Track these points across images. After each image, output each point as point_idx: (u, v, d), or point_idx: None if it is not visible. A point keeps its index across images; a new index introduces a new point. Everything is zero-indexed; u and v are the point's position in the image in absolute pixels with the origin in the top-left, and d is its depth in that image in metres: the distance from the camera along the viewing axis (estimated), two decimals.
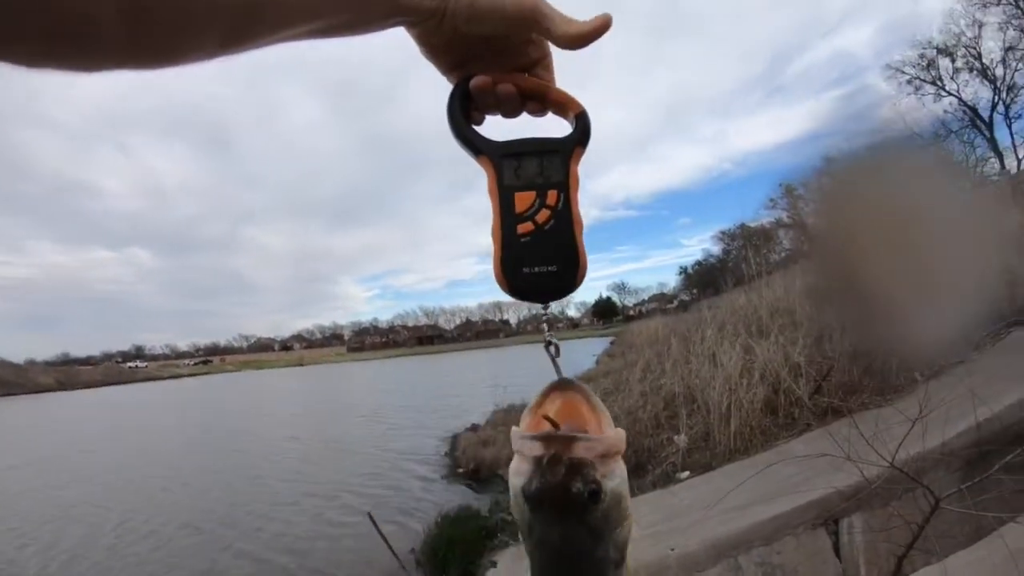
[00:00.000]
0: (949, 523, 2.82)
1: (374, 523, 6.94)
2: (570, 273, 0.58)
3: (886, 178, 0.49)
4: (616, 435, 0.51)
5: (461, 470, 11.20)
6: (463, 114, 0.60)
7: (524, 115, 0.62)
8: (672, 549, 3.72)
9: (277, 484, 12.06)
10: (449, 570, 6.34)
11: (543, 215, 0.58)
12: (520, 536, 0.54)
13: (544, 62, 0.61)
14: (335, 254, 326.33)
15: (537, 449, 0.49)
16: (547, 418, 0.52)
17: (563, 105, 0.61)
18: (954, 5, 29.60)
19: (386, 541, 6.71)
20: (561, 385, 0.56)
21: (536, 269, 0.57)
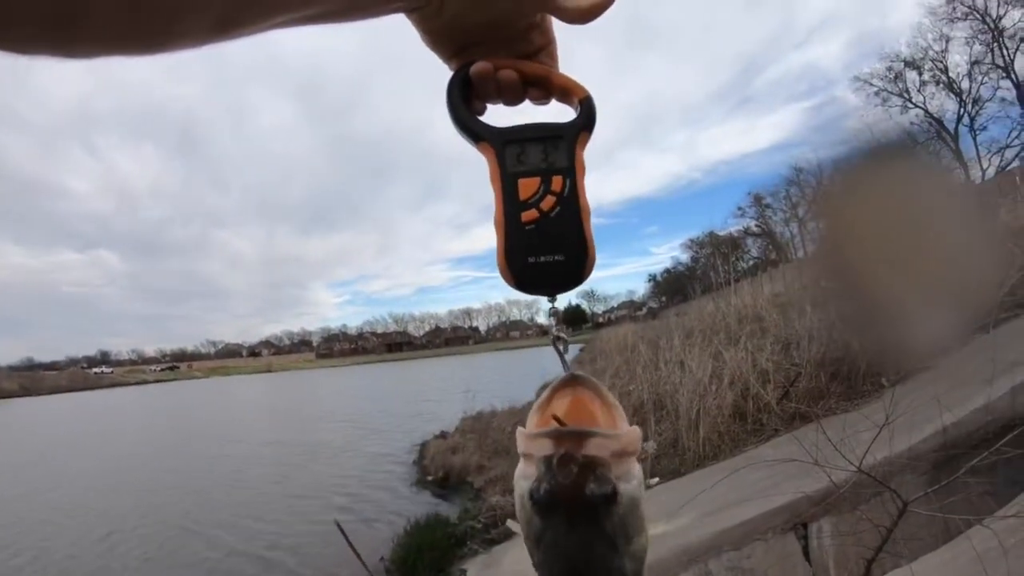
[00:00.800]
0: (917, 526, 2.87)
1: (342, 531, 6.83)
2: (578, 262, 0.55)
3: (886, 177, 0.48)
4: (632, 432, 0.47)
5: (430, 477, 11.13)
6: (463, 101, 0.58)
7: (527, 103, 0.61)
8: None
9: (243, 493, 11.84)
10: None
11: (548, 202, 0.55)
12: (527, 550, 0.49)
13: (548, 49, 0.59)
14: (305, 259, 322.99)
15: (546, 447, 0.44)
16: (555, 417, 0.48)
17: (567, 90, 0.59)
18: (922, 19, 30.65)
19: (354, 549, 6.61)
20: (571, 381, 0.52)
21: (542, 259, 0.55)
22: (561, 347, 0.60)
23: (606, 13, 0.54)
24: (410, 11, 0.53)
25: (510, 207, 0.56)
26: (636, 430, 0.47)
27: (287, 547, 8.21)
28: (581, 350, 26.62)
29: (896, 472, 3.12)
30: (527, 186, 0.56)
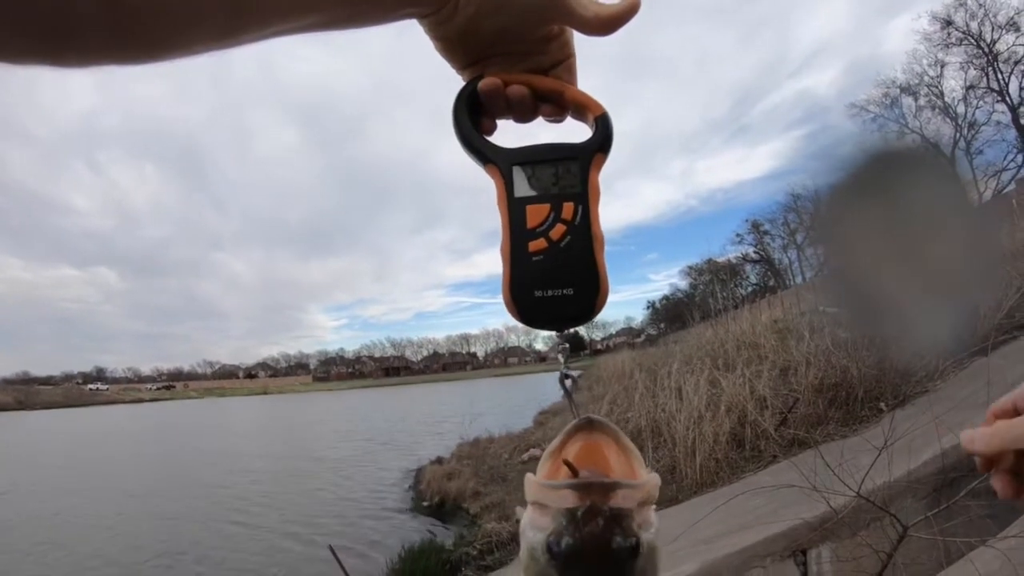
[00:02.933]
0: (918, 550, 2.83)
1: (335, 556, 6.73)
2: (589, 297, 0.51)
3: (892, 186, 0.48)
4: (653, 479, 0.45)
5: (425, 503, 11.04)
6: (470, 119, 0.54)
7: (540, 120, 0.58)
8: None
9: (238, 516, 11.70)
10: None
11: (558, 231, 0.52)
12: None
13: (567, 63, 0.56)
14: (303, 283, 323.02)
15: (570, 500, 0.42)
16: (567, 463, 0.45)
17: (582, 107, 0.55)
18: (917, 46, 31.12)
19: (347, 574, 6.52)
20: (585, 425, 0.49)
21: (549, 292, 0.51)
22: (569, 384, 0.56)
23: (623, 28, 0.52)
24: (422, 17, 0.50)
25: (517, 236, 0.52)
26: (656, 477, 0.45)
27: (279, 570, 8.12)
28: (579, 376, 26.58)
29: (896, 496, 3.09)
30: (536, 213, 0.52)
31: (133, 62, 0.39)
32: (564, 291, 0.51)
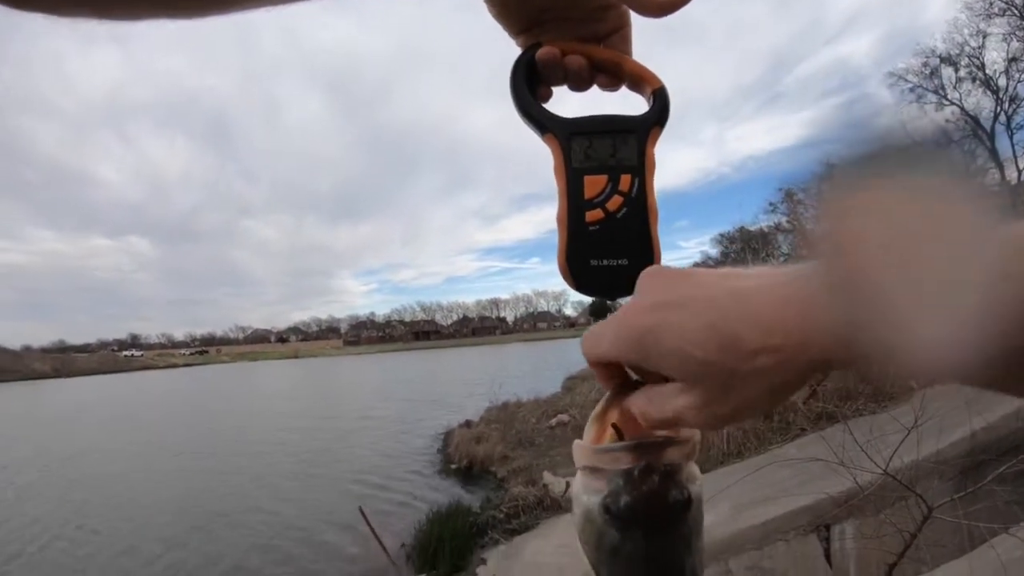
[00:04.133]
0: (941, 532, 2.81)
1: (365, 517, 6.94)
2: (642, 267, 0.49)
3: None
4: (696, 435, 0.47)
5: (454, 466, 11.19)
6: (528, 88, 0.54)
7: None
8: None
9: (268, 477, 12.06)
10: (439, 566, 6.32)
11: (615, 202, 0.52)
12: (590, 564, 0.48)
13: (623, 32, 0.55)
14: (333, 248, 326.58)
15: (625, 461, 0.44)
16: (615, 427, 0.47)
17: (639, 79, 0.55)
18: (958, 14, 29.64)
19: (376, 536, 6.72)
20: (625, 388, 0.49)
21: (604, 262, 0.52)
22: None
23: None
24: None
25: (574, 205, 0.53)
26: (697, 433, 0.47)
27: (311, 531, 8.35)
28: None
29: (922, 477, 3.06)
30: (593, 184, 0.53)
31: (182, 15, 0.39)
32: (619, 261, 0.52)
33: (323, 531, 8.31)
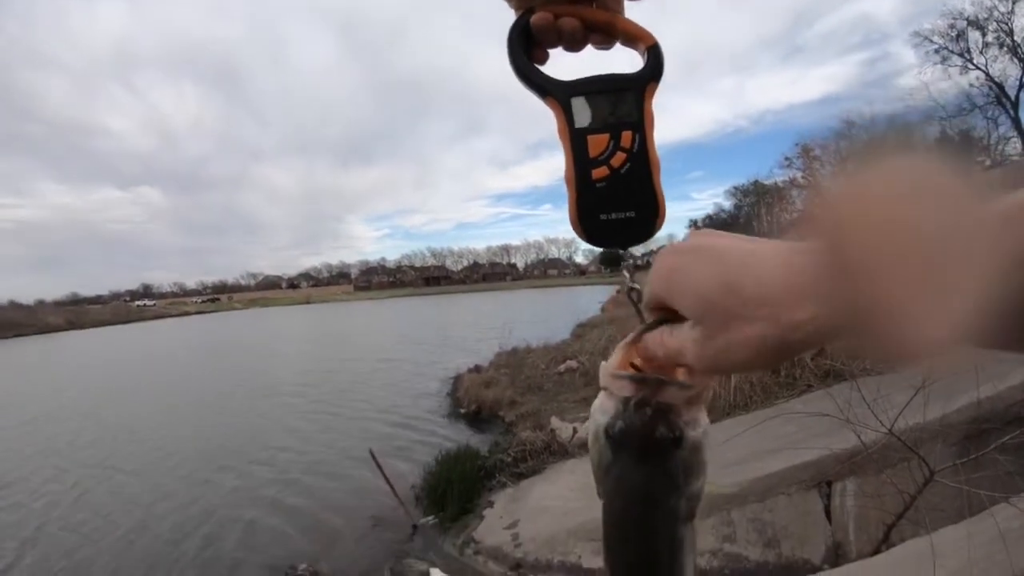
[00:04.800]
0: (941, 497, 2.85)
1: (375, 459, 7.10)
2: (649, 218, 0.56)
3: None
4: (704, 381, 0.49)
5: (462, 410, 11.41)
6: (525, 52, 0.56)
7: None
8: None
9: (280, 421, 12.37)
10: (447, 508, 6.50)
11: (619, 158, 0.55)
12: (594, 477, 0.52)
13: None
14: (344, 193, 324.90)
15: (627, 389, 0.47)
16: (633, 365, 0.50)
17: (633, 37, 0.56)
18: None
19: (386, 477, 6.89)
20: (655, 324, 0.51)
21: (613, 216, 0.55)
22: (635, 297, 0.58)
23: None
24: None
25: (580, 165, 0.55)
26: (705, 381, 0.49)
27: (321, 473, 8.60)
28: (617, 292, 26.54)
29: (926, 440, 3.08)
30: (596, 143, 0.55)
31: None
32: (627, 214, 0.55)
33: (333, 472, 8.59)
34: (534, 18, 0.54)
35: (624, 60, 0.57)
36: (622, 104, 0.55)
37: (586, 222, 0.55)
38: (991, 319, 0.28)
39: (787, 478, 3.97)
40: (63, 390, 18.96)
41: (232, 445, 10.54)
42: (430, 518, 6.50)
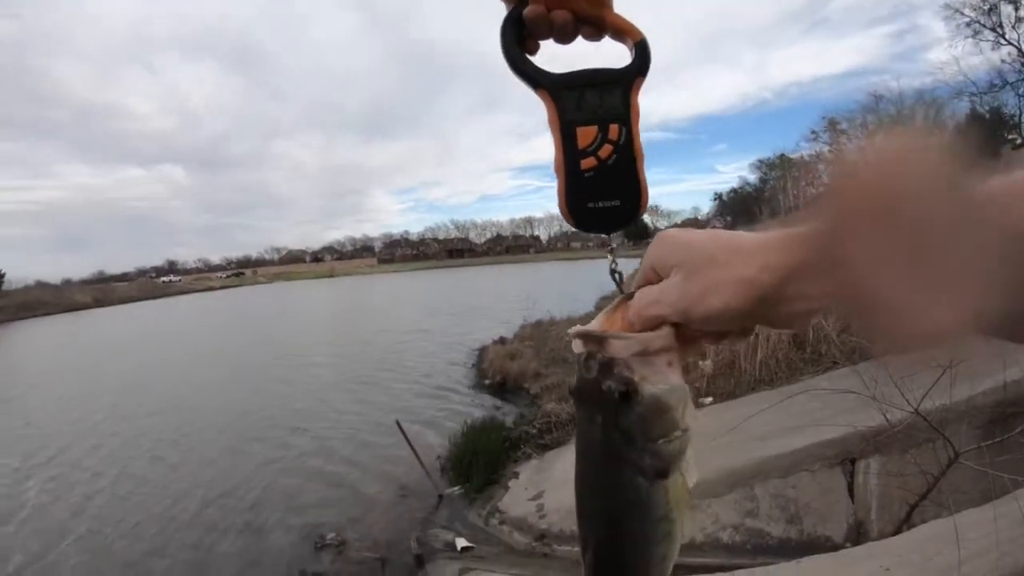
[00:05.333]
0: (964, 479, 2.84)
1: (401, 430, 7.22)
2: (633, 206, 0.58)
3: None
4: (649, 335, 0.49)
5: (487, 382, 11.52)
6: (518, 44, 0.58)
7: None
8: None
9: (310, 391, 12.59)
10: (473, 478, 6.60)
11: (606, 150, 0.57)
12: None
13: None
14: (366, 166, 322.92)
15: (576, 347, 0.51)
16: (587, 330, 0.53)
17: (621, 32, 0.59)
18: None
19: (412, 447, 7.01)
20: (627, 297, 0.55)
21: (600, 204, 0.58)
22: (617, 278, 0.63)
23: None
24: None
25: (570, 155, 0.57)
26: (656, 334, 0.49)
27: (349, 443, 8.81)
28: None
29: (951, 421, 3.06)
30: (585, 134, 0.57)
31: None
32: (612, 202, 0.58)
33: (359, 442, 8.80)
34: (527, 10, 0.56)
35: (615, 55, 0.60)
36: (610, 97, 0.58)
37: (575, 209, 0.58)
38: (989, 311, 0.30)
39: (811, 455, 3.97)
40: (95, 368, 19.32)
41: (266, 415, 10.82)
42: (456, 488, 6.61)
